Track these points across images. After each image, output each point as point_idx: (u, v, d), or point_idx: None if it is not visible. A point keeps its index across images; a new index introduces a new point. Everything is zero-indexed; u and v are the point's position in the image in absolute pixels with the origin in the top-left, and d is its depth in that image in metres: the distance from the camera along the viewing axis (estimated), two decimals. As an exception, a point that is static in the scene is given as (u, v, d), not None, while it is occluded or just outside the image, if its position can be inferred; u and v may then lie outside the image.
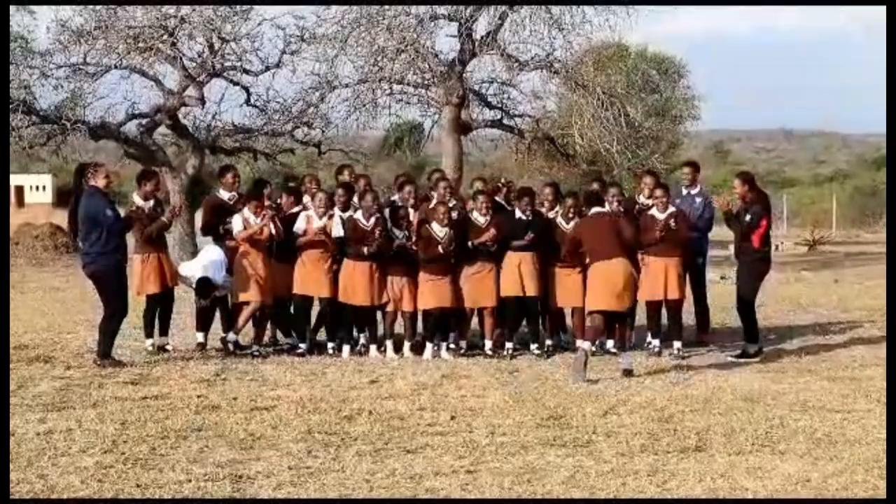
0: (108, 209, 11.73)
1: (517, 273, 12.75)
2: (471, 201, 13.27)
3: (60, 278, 23.61)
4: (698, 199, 13.79)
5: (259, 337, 13.05)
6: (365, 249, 12.46)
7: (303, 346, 12.87)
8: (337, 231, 12.65)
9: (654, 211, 12.91)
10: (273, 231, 12.54)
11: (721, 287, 17.52)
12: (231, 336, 12.71)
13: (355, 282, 12.60)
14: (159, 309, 12.81)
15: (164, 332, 12.92)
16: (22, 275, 24.14)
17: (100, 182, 11.84)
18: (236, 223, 12.55)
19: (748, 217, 12.68)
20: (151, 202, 12.71)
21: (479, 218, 12.80)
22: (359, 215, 12.69)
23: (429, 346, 12.78)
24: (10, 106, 24.00)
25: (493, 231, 12.63)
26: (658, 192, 13.03)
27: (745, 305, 12.82)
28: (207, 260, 12.67)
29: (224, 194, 13.15)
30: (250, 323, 12.89)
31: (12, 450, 7.97)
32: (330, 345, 12.93)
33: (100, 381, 10.86)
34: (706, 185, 14.94)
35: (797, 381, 11.21)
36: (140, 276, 12.54)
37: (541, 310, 13.26)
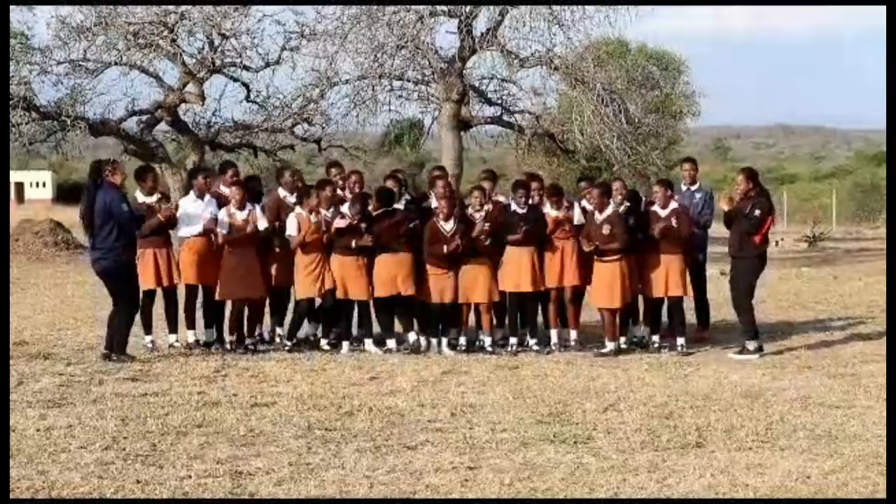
0: (123, 204, 11.90)
1: (517, 268, 12.75)
2: (470, 197, 13.27)
3: (60, 274, 23.58)
4: (698, 196, 13.79)
5: (251, 331, 13.11)
6: (353, 243, 12.45)
7: (289, 343, 12.88)
8: (337, 223, 12.62)
9: (656, 207, 12.91)
10: (257, 227, 12.59)
11: (720, 283, 17.47)
12: (227, 338, 12.80)
13: (348, 276, 12.58)
14: (165, 306, 12.84)
15: (172, 329, 12.92)
16: (22, 271, 24.10)
17: (117, 179, 12.03)
18: (221, 222, 12.58)
19: (756, 213, 12.65)
20: (155, 196, 12.75)
21: (474, 214, 12.79)
22: (345, 209, 12.68)
23: (433, 341, 12.76)
24: (10, 102, 23.98)
25: (486, 224, 12.61)
26: (657, 189, 13.02)
27: (742, 303, 12.80)
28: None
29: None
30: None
31: (13, 446, 7.97)
32: (324, 342, 12.93)
33: (100, 378, 10.87)
34: (706, 181, 14.89)
35: (797, 378, 11.22)
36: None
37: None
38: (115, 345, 11.94)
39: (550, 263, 12.88)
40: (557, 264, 12.86)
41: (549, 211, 12.96)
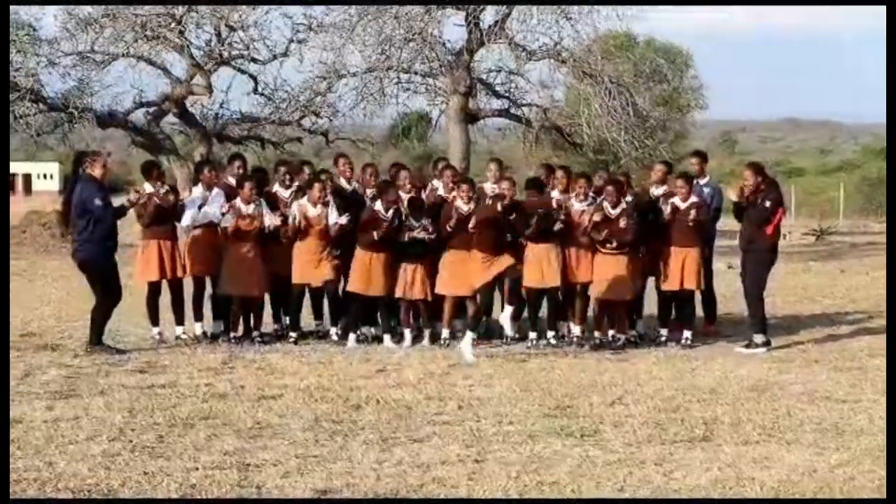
0: (97, 198, 11.76)
1: (539, 264, 12.66)
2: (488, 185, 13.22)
3: (67, 266, 23.56)
4: (706, 189, 13.75)
5: (257, 325, 13.08)
6: (375, 234, 12.41)
7: (293, 334, 12.93)
8: (332, 218, 12.64)
9: (676, 200, 12.86)
10: (268, 222, 12.58)
11: (728, 276, 17.47)
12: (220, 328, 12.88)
13: (372, 272, 12.55)
14: (171, 298, 12.83)
15: (179, 321, 12.91)
16: (29, 263, 24.15)
17: (96, 171, 11.92)
18: (227, 215, 12.58)
19: (767, 204, 12.63)
20: (163, 190, 12.71)
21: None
22: (378, 206, 12.65)
23: (455, 335, 12.68)
24: (18, 94, 24.00)
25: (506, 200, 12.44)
26: (679, 182, 12.98)
27: (754, 296, 12.79)
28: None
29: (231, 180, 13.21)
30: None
31: (20, 437, 8.00)
32: (333, 330, 12.95)
33: (107, 370, 10.89)
34: (714, 175, 14.86)
35: (804, 372, 11.22)
36: (139, 264, 12.66)
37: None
38: (92, 336, 11.94)
39: (579, 259, 12.77)
40: (587, 260, 12.76)
41: (575, 203, 12.84)
